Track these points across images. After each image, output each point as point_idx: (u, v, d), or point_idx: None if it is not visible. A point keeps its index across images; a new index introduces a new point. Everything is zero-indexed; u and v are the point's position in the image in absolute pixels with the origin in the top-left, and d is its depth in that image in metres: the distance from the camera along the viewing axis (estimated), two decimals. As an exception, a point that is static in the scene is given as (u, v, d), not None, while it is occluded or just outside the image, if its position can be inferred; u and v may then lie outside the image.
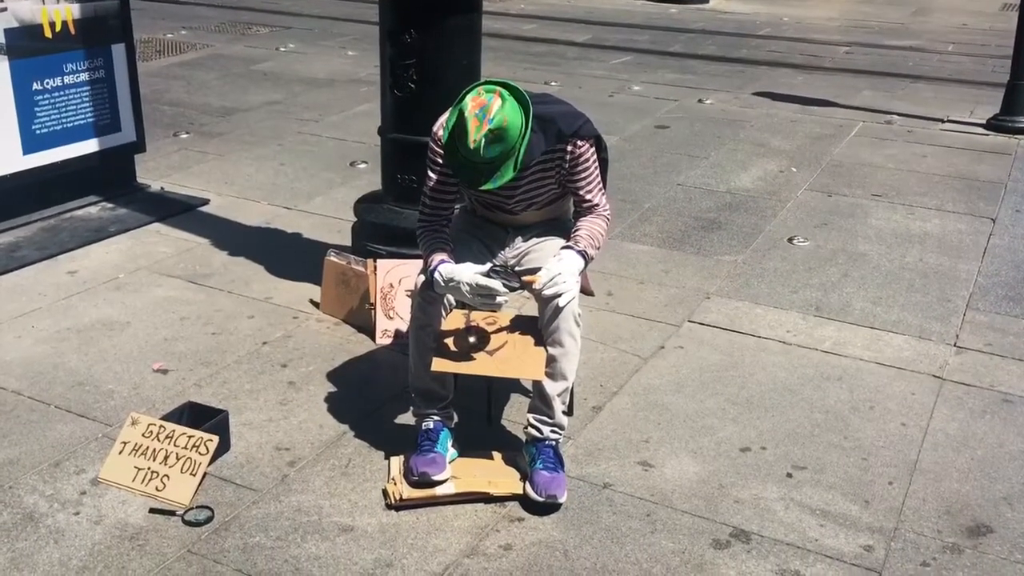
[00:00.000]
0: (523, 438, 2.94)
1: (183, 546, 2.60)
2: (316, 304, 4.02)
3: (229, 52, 9.03)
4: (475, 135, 2.55)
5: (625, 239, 4.84)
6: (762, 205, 5.36)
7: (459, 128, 2.59)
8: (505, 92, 2.61)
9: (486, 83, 2.65)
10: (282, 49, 9.23)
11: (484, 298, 2.69)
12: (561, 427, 2.89)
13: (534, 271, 2.82)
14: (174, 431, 2.87)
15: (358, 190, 4.97)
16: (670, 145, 6.45)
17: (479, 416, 3.21)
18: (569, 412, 3.26)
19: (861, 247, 4.80)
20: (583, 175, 2.88)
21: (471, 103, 2.58)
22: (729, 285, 4.35)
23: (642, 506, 2.83)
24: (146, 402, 3.29)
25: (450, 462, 2.88)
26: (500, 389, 3.28)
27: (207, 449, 2.82)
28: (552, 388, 2.83)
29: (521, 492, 2.81)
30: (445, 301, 2.84)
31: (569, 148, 2.83)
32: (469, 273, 2.68)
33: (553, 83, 8.08)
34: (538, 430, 2.86)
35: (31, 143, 4.71)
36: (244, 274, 4.32)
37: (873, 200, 5.48)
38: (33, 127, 4.70)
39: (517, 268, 3.00)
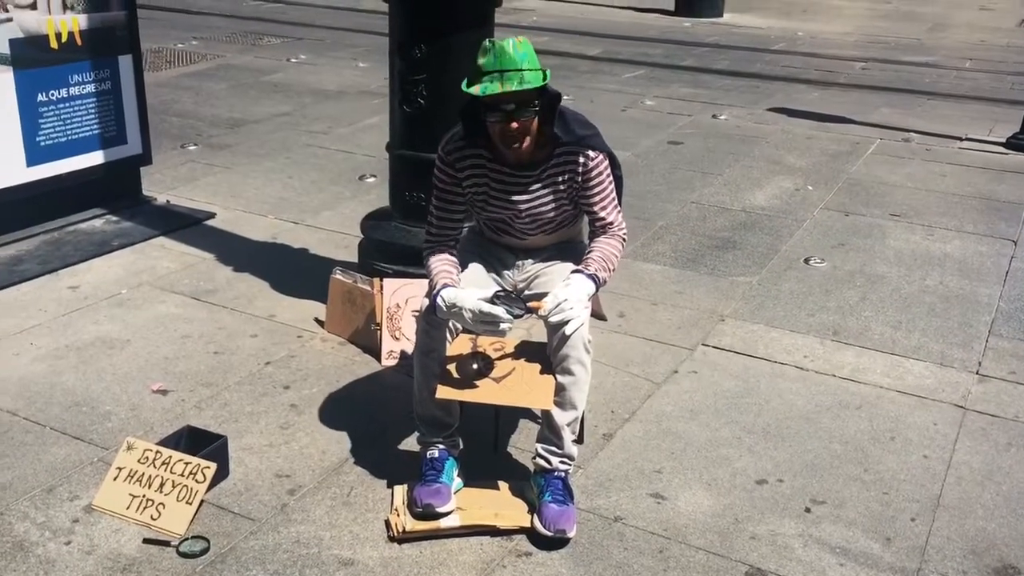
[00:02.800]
0: (531, 467, 2.83)
1: (177, 579, 2.51)
2: (321, 323, 3.92)
3: (239, 63, 8.98)
4: (501, 42, 2.55)
5: (638, 258, 4.74)
6: (777, 224, 5.25)
7: (487, 59, 2.56)
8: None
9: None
10: (293, 60, 9.18)
11: (487, 325, 2.59)
12: (571, 458, 2.78)
13: (542, 296, 2.72)
14: (170, 457, 2.77)
15: (367, 205, 4.89)
16: (684, 161, 6.35)
17: (484, 442, 3.11)
18: (579, 440, 3.16)
19: (879, 269, 4.69)
20: (596, 190, 2.79)
21: (487, 46, 2.57)
22: (744, 307, 4.25)
23: (654, 541, 2.72)
24: (144, 425, 3.20)
25: (455, 492, 2.78)
26: (507, 415, 3.18)
27: (204, 477, 2.72)
28: (561, 418, 2.73)
29: (529, 525, 2.70)
30: (451, 326, 2.75)
31: (582, 159, 2.74)
32: (472, 299, 2.59)
33: (565, 97, 7.96)
34: (547, 461, 2.76)
35: (35, 155, 4.63)
36: (248, 291, 4.24)
37: (891, 220, 5.37)
38: (37, 139, 4.63)
39: (526, 292, 2.91)
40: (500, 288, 2.72)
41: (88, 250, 4.60)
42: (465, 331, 2.81)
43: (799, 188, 5.87)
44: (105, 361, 3.60)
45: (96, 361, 3.60)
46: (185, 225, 4.98)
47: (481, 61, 2.57)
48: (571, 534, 2.67)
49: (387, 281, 3.66)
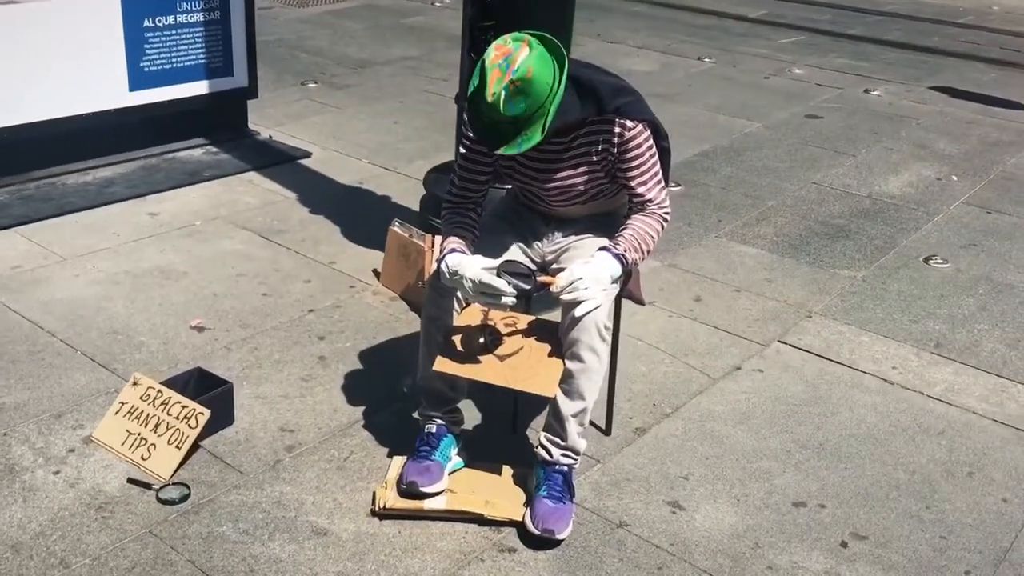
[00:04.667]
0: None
1: (146, 525, 2.44)
2: (378, 275, 3.80)
3: (383, 3, 8.93)
4: (495, 87, 2.22)
5: (733, 238, 4.37)
6: (904, 216, 4.74)
7: (481, 82, 2.26)
8: (535, 41, 2.27)
9: (517, 32, 2.31)
10: (437, 4, 9.06)
11: (488, 297, 2.36)
12: (575, 452, 2.54)
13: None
14: (170, 398, 2.71)
15: (456, 157, 4.71)
16: (817, 137, 5.84)
17: (504, 420, 2.91)
18: (607, 431, 2.92)
19: (1010, 277, 4.14)
20: (635, 164, 2.49)
21: (494, 52, 2.26)
22: (839, 304, 3.83)
23: (656, 556, 2.45)
24: (171, 360, 3.16)
25: (451, 472, 2.60)
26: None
27: (197, 422, 2.64)
28: (567, 407, 2.49)
29: (520, 519, 2.49)
30: (459, 294, 2.54)
31: (617, 129, 2.45)
32: (475, 268, 2.37)
33: (706, 59, 7.54)
34: (548, 452, 2.53)
35: (138, 80, 4.69)
36: (317, 234, 4.15)
37: (1040, 223, 4.75)
38: (141, 64, 4.68)
39: (553, 266, 2.66)
40: (510, 259, 2.47)
41: (178, 179, 4.64)
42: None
43: (941, 177, 5.28)
44: (156, 291, 3.60)
45: (148, 290, 3.60)
46: (279, 162, 4.95)
47: (477, 90, 2.26)
48: (561, 535, 2.44)
49: (439, 239, 3.47)
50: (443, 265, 2.43)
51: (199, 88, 4.94)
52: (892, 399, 3.22)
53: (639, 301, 2.79)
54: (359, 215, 4.34)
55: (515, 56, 2.22)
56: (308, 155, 5.07)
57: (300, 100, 6.02)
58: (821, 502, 2.69)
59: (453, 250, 2.45)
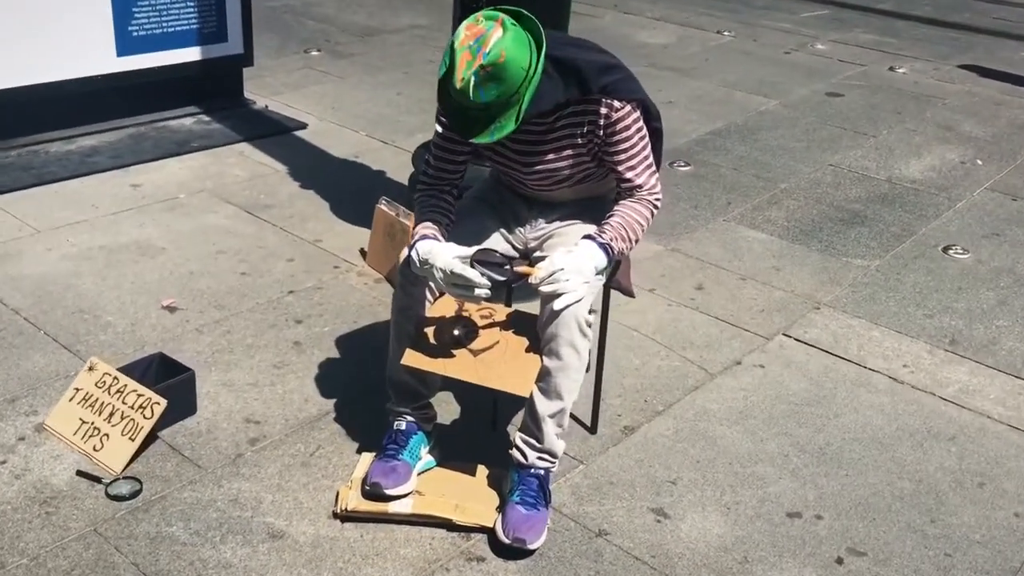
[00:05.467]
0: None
1: (91, 523, 2.29)
2: (365, 254, 3.62)
3: (396, -31, 8.69)
4: (464, 71, 2.02)
5: (742, 223, 4.15)
6: (924, 201, 4.50)
7: (450, 65, 2.07)
8: (510, 21, 2.06)
9: (491, 9, 2.10)
10: (451, -29, 8.80)
11: (459, 288, 2.18)
12: (552, 455, 2.36)
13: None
14: (125, 386, 2.55)
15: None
16: (836, 117, 5.59)
17: (483, 417, 2.74)
18: (592, 429, 2.74)
19: (1034, 270, 3.92)
20: (622, 147, 2.29)
21: (465, 32, 2.05)
22: (850, 296, 3.62)
23: (634, 569, 2.28)
24: (137, 342, 3.01)
25: (420, 473, 2.43)
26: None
27: (153, 412, 2.49)
28: (544, 407, 2.31)
29: (491, 525, 2.32)
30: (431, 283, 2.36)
31: (603, 110, 2.24)
32: (446, 257, 2.18)
33: (726, 33, 7.27)
34: (523, 454, 2.35)
35: (126, 45, 4.52)
36: (305, 209, 3.98)
37: (1069, 212, 4.50)
38: (130, 28, 4.50)
39: (536, 254, 2.47)
40: (485, 247, 2.28)
41: (166, 148, 4.47)
42: (449, 291, 2.41)
43: (966, 161, 5.03)
44: (130, 268, 3.44)
45: (122, 266, 3.44)
46: (272, 133, 4.78)
47: (447, 73, 2.07)
48: (533, 545, 2.26)
49: (426, 219, 3.28)
50: (413, 253, 2.25)
51: (191, 54, 4.77)
52: (901, 400, 3.02)
53: (628, 293, 2.59)
54: (351, 190, 4.16)
55: (487, 37, 2.01)
56: (304, 126, 4.89)
57: (301, 68, 5.84)
58: (818, 512, 2.51)
59: (425, 236, 2.27)
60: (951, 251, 4.02)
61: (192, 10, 4.69)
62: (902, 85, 6.29)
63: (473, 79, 2.01)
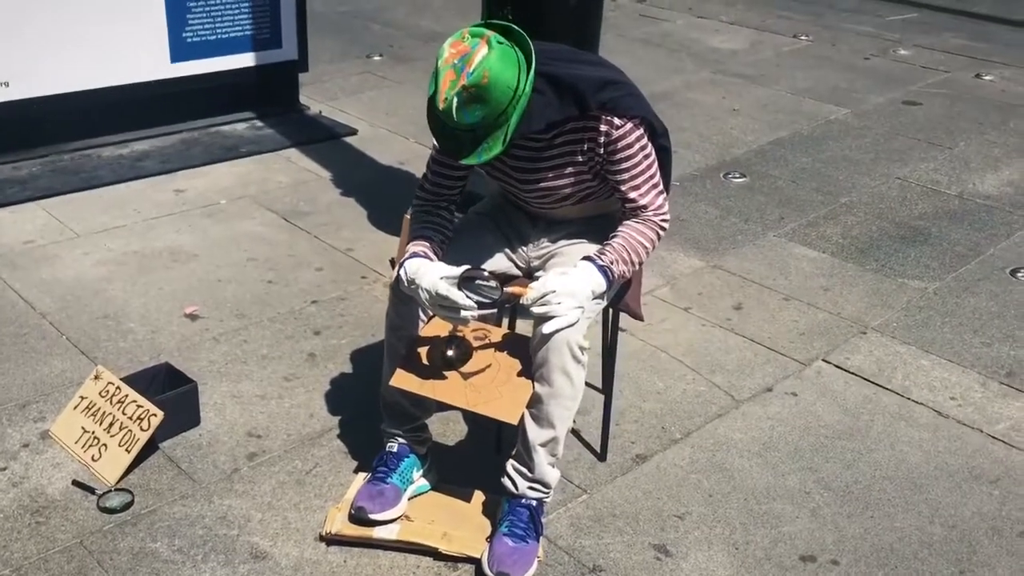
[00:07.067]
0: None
1: (78, 535, 2.28)
2: (395, 264, 3.56)
3: (470, -26, 8.66)
4: (447, 92, 1.94)
5: (793, 239, 3.96)
6: (996, 220, 4.22)
7: (435, 84, 1.98)
8: (496, 38, 1.96)
9: (478, 25, 2.01)
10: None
11: (445, 310, 2.10)
12: (544, 485, 2.26)
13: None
14: (126, 396, 2.54)
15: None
16: (911, 127, 5.31)
17: (487, 438, 2.64)
18: (602, 456, 2.62)
19: (1111, 296, 3.62)
20: (624, 166, 2.17)
21: (449, 51, 1.96)
22: (901, 320, 3.40)
23: (626, 611, 2.16)
24: (154, 350, 3.01)
25: (412, 497, 2.35)
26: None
27: (149, 424, 2.47)
28: (535, 435, 2.20)
29: (479, 556, 2.22)
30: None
31: (603, 128, 2.13)
32: (432, 276, 2.10)
33: (803, 37, 7.01)
34: (514, 483, 2.25)
35: (180, 51, 4.57)
36: (342, 218, 3.95)
37: None
38: (184, 35, 4.56)
39: (539, 274, 2.37)
40: (473, 267, 2.19)
41: (215, 154, 4.51)
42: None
43: (1048, 176, 4.72)
44: (161, 274, 3.46)
45: (152, 273, 3.46)
46: (322, 139, 4.78)
47: (431, 97, 1.99)
48: (518, 581, 2.17)
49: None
50: (402, 272, 2.18)
51: (244, 60, 4.80)
52: (943, 436, 2.81)
53: (637, 316, 2.46)
54: (391, 198, 4.12)
55: (472, 56, 1.92)
56: (354, 132, 4.88)
57: (360, 73, 5.84)
58: (834, 557, 2.34)
59: (415, 254, 2.20)
60: (1020, 274, 3.75)
61: (246, 17, 4.72)
62: (987, 93, 5.95)
63: (456, 100, 1.93)
